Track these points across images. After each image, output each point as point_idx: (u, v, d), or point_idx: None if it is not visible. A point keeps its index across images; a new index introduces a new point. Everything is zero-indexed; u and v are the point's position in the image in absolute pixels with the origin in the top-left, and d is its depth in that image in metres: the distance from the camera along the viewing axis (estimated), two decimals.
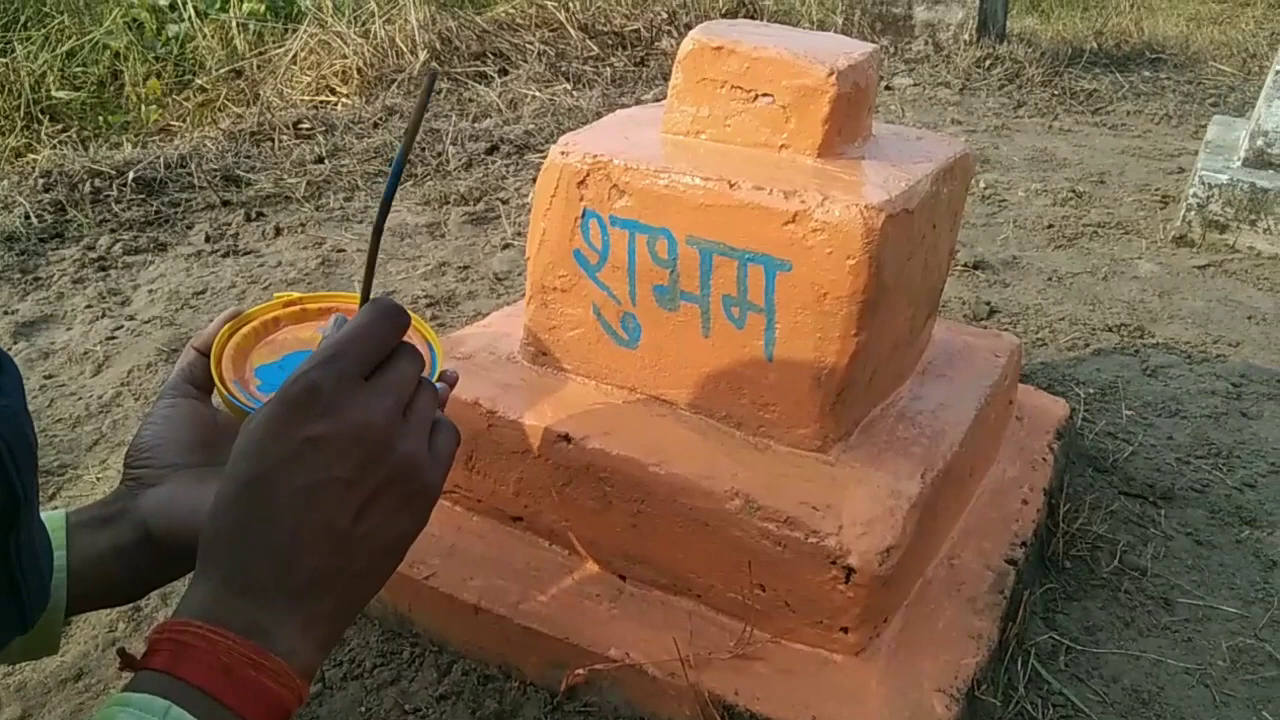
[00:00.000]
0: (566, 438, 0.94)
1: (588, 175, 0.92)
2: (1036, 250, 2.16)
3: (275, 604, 0.46)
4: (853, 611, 0.85)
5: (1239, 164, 2.18)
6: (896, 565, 0.85)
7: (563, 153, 0.94)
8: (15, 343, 1.64)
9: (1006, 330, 1.74)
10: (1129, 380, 1.58)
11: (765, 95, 0.92)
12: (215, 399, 0.72)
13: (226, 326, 0.74)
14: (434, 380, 0.74)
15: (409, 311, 0.68)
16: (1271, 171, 2.14)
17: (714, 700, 0.84)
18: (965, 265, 2.02)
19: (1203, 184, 2.14)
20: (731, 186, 0.87)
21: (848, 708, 0.83)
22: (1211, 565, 1.15)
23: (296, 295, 0.80)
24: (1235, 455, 1.38)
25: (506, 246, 2.06)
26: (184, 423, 0.71)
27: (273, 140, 2.69)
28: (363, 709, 0.90)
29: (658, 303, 0.93)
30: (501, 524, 1.02)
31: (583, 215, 0.94)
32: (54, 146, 2.67)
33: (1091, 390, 1.53)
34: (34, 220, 2.06)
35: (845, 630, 0.86)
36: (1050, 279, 1.99)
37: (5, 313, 1.73)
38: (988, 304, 1.83)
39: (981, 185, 2.57)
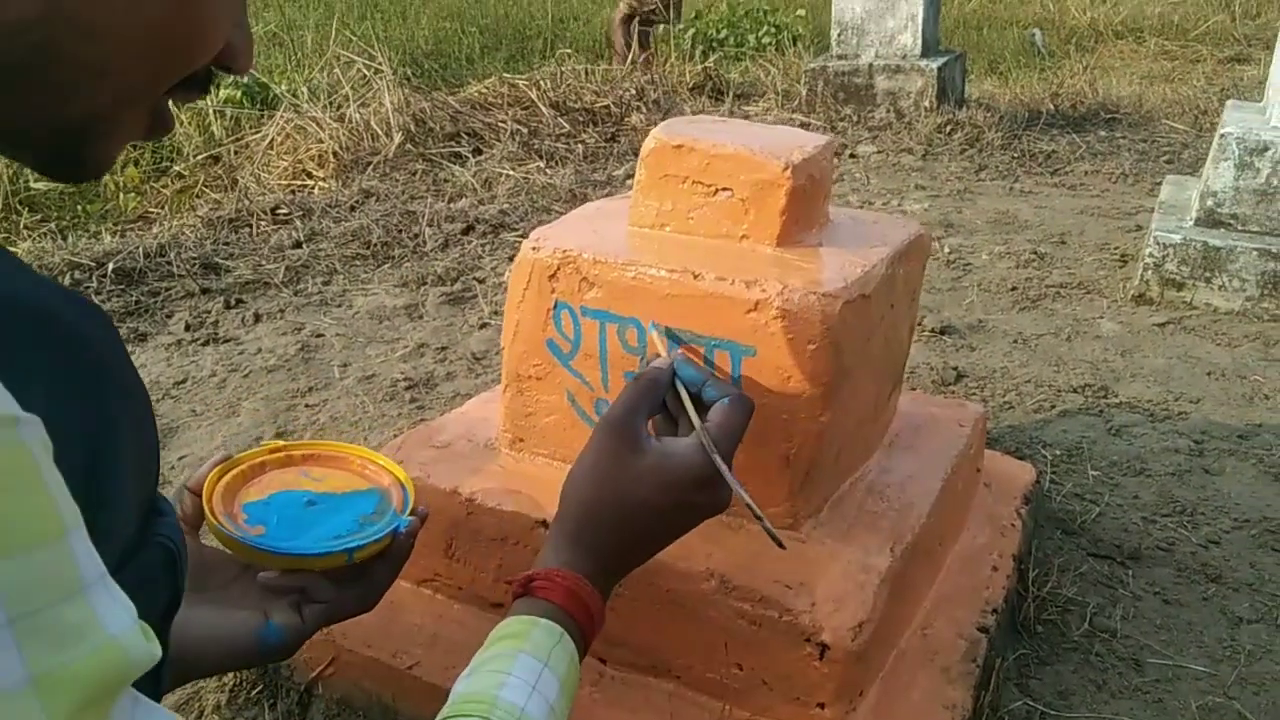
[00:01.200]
0: (544, 523, 0.96)
1: (558, 269, 0.96)
2: (1001, 313, 2.22)
3: (612, 574, 0.73)
4: (828, 687, 0.87)
5: (1191, 223, 2.25)
6: (869, 639, 0.88)
7: (534, 248, 0.98)
8: None
9: (974, 395, 1.79)
10: (1094, 440, 1.62)
11: (725, 189, 0.97)
12: (203, 532, 0.77)
13: (217, 469, 0.80)
14: (406, 515, 0.80)
15: (375, 454, 0.81)
16: (1223, 230, 2.21)
17: None
18: (932, 330, 2.08)
19: (1158, 244, 2.21)
20: (695, 277, 0.91)
21: None
22: (1180, 624, 1.18)
23: (282, 443, 0.87)
24: (1199, 512, 1.41)
25: (484, 326, 2.09)
26: None
27: (251, 226, 2.74)
28: None
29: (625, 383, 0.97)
30: (483, 611, 1.03)
31: (555, 306, 0.98)
32: (33, 239, 2.70)
33: (1058, 452, 1.57)
34: None
35: (822, 706, 0.88)
36: (1015, 341, 2.04)
37: None
38: (955, 369, 1.87)
39: (946, 250, 2.64)
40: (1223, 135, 2.19)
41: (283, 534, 0.78)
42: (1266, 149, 2.14)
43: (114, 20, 0.42)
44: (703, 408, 0.78)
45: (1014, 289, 2.36)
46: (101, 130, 0.48)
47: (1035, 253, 2.61)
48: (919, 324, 2.11)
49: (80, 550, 0.35)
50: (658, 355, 0.87)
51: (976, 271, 2.49)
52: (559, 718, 0.63)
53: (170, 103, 0.52)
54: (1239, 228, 2.20)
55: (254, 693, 1.03)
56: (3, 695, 0.30)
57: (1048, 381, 1.84)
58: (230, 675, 1.04)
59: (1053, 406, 1.74)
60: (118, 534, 0.50)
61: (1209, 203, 2.22)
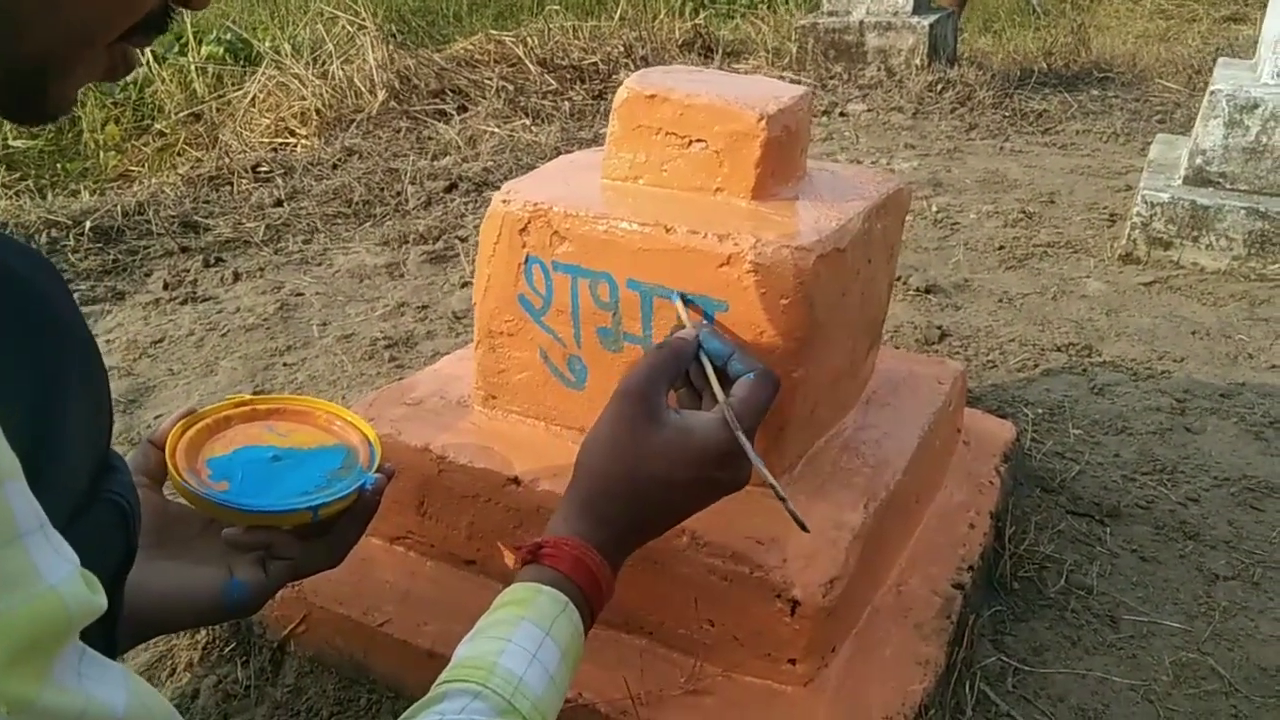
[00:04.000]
0: (516, 480, 0.95)
1: (529, 222, 0.94)
2: (988, 272, 2.20)
3: (624, 546, 0.72)
4: (799, 643, 0.87)
5: (1180, 182, 2.24)
6: (840, 596, 0.87)
7: (505, 201, 0.96)
8: None
9: (957, 354, 1.78)
10: (1077, 400, 1.61)
11: (699, 141, 0.95)
12: (167, 488, 0.76)
13: (180, 424, 0.79)
14: (373, 472, 0.79)
15: (341, 409, 0.79)
16: (1211, 189, 2.20)
17: None
18: (917, 289, 2.06)
19: (1145, 203, 2.20)
20: (668, 231, 0.89)
21: None
22: (1156, 581, 1.18)
23: (248, 396, 0.87)
24: (1179, 470, 1.41)
25: (465, 285, 2.07)
26: None
27: (231, 184, 2.70)
28: None
29: (602, 345, 0.95)
30: (455, 568, 1.03)
31: (526, 261, 0.96)
32: (11, 197, 2.66)
33: (1040, 411, 1.57)
34: None
35: (793, 662, 0.88)
36: (1001, 300, 2.03)
37: None
38: (939, 328, 1.86)
39: (934, 209, 2.62)
40: (1213, 92, 2.16)
41: (247, 490, 0.77)
42: (1256, 106, 2.12)
43: None
44: (727, 382, 0.76)
45: (1001, 248, 2.34)
46: (57, 69, 0.47)
47: (1024, 212, 2.59)
48: (904, 283, 2.10)
49: (17, 499, 0.34)
50: (681, 326, 0.85)
51: (964, 231, 2.47)
52: (559, 687, 0.62)
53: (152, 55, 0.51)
54: (1227, 186, 2.18)
55: (227, 650, 1.02)
56: None
57: (1032, 340, 1.83)
58: (203, 633, 1.04)
59: (1036, 365, 1.74)
60: (66, 488, 0.49)
61: (1198, 161, 2.20)
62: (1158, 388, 1.65)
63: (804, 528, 0.75)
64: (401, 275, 2.14)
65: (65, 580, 0.34)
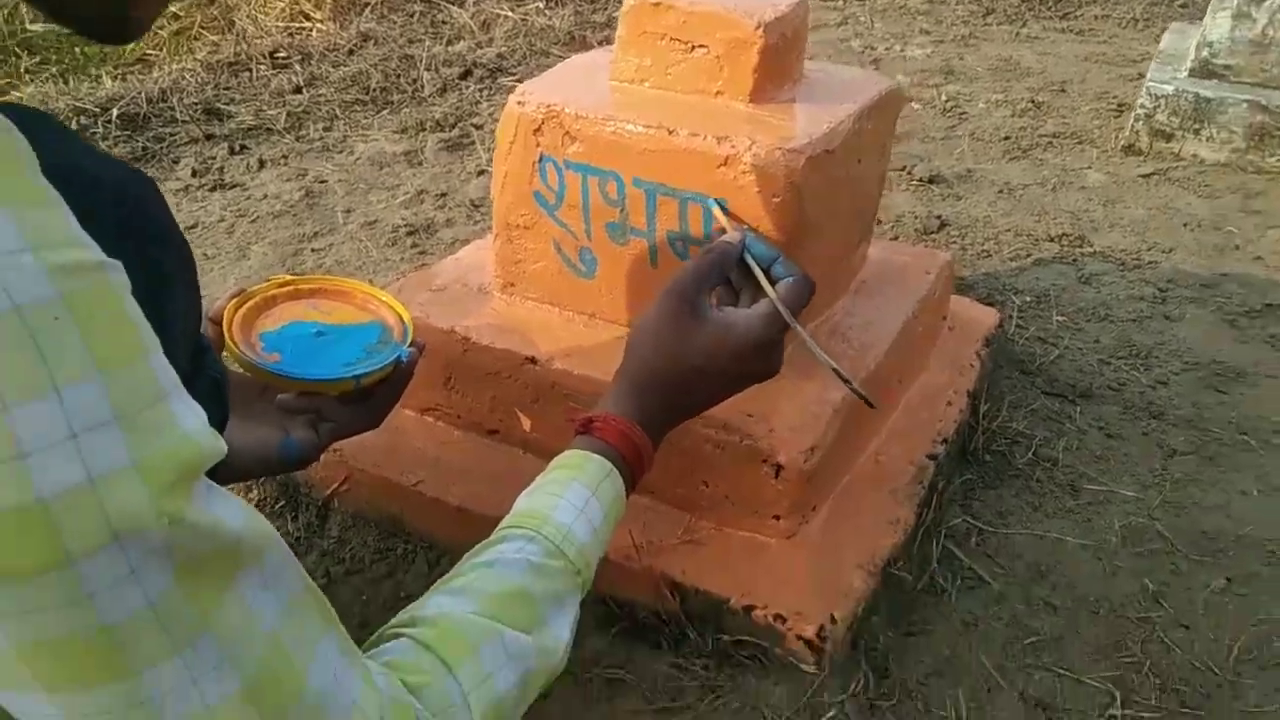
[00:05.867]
0: (533, 360, 1.06)
1: (543, 123, 1.02)
2: (991, 162, 2.25)
3: (664, 426, 0.82)
4: (783, 503, 0.99)
5: (1185, 74, 2.26)
6: (820, 462, 0.98)
7: (519, 103, 1.04)
8: None
9: (954, 243, 1.86)
10: (1064, 288, 1.69)
11: (701, 47, 1.01)
12: (225, 358, 0.86)
13: (233, 302, 0.88)
14: (407, 347, 0.89)
15: (376, 290, 0.89)
16: (1215, 81, 2.22)
17: (665, 580, 0.98)
18: (920, 180, 2.12)
19: (1150, 95, 2.23)
20: (670, 133, 0.97)
21: (779, 584, 0.97)
22: (1118, 455, 1.29)
23: (291, 277, 0.95)
24: (1153, 356, 1.50)
25: (481, 173, 2.15)
26: None
27: (250, 70, 2.75)
28: (364, 598, 1.04)
29: (610, 238, 1.04)
30: (479, 437, 1.14)
31: (540, 160, 1.04)
32: (36, 83, 2.72)
33: (1028, 298, 1.65)
34: None
35: (777, 518, 1.00)
36: (1001, 191, 2.09)
37: None
38: (938, 218, 1.93)
39: (943, 98, 2.65)
40: None
41: (297, 361, 0.88)
42: None
43: None
44: (769, 280, 0.83)
45: (1007, 138, 2.38)
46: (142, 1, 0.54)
47: (1033, 101, 2.62)
48: (908, 173, 2.16)
49: (159, 367, 0.43)
50: (722, 231, 0.93)
51: (972, 120, 2.51)
52: (601, 540, 0.73)
53: None
54: (1232, 79, 2.21)
55: (277, 506, 1.15)
56: (115, 474, 0.39)
57: (1027, 231, 1.91)
58: (255, 492, 1.16)
59: (1028, 255, 1.81)
60: (174, 368, 0.59)
61: (1204, 53, 2.22)
62: (1143, 277, 1.73)
63: (870, 404, 0.85)
64: (420, 163, 2.21)
65: (197, 429, 0.44)
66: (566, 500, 0.72)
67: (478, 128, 2.40)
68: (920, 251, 1.35)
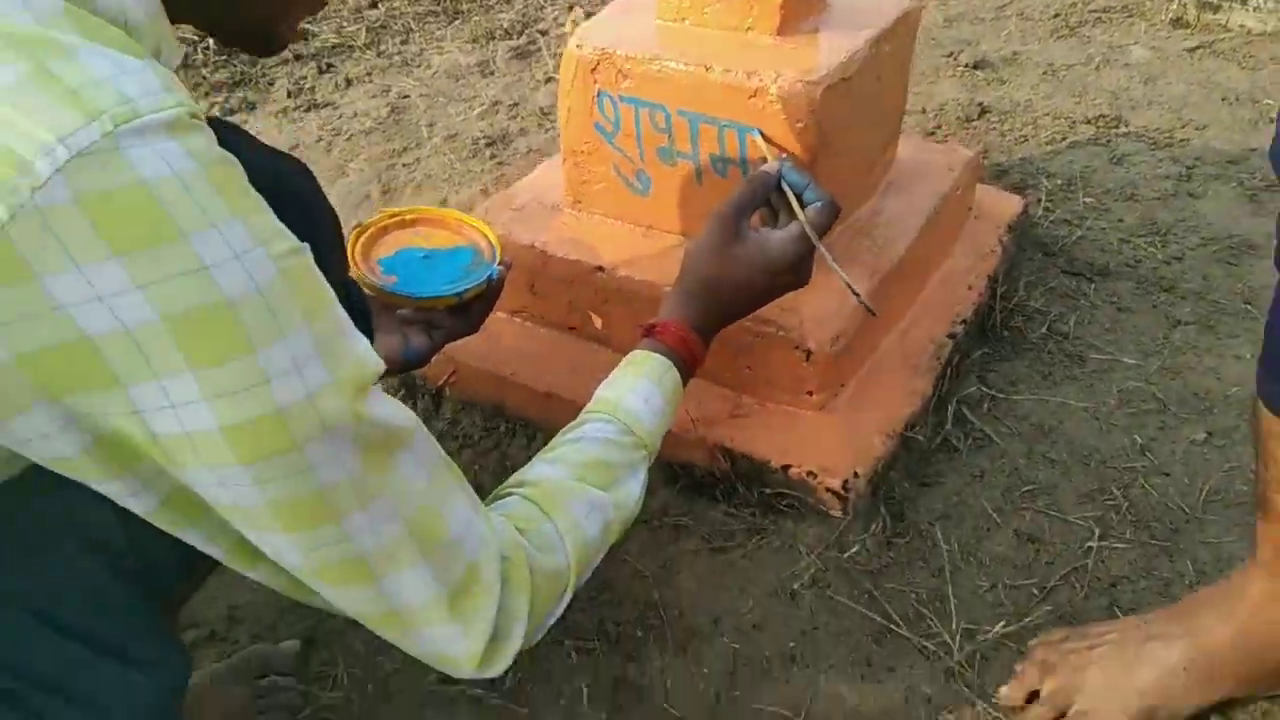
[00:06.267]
0: (601, 268, 1.25)
1: (599, 64, 1.19)
2: (1038, 42, 2.33)
3: (713, 328, 0.99)
4: (814, 380, 1.18)
5: None
6: (845, 346, 1.17)
7: (578, 45, 1.20)
8: None
9: (993, 129, 1.97)
10: (1095, 169, 1.81)
11: None
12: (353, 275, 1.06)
13: (354, 233, 1.08)
14: (498, 265, 1.08)
15: (468, 216, 1.08)
16: None
17: (718, 446, 1.19)
18: (966, 65, 2.21)
19: None
20: (707, 69, 1.13)
21: (811, 447, 1.17)
22: (1126, 327, 1.44)
23: (397, 210, 1.14)
24: (1171, 232, 1.63)
25: (549, 80, 2.30)
26: None
27: None
28: (476, 468, 1.27)
29: (660, 160, 1.22)
30: (560, 333, 1.35)
31: (598, 95, 1.21)
32: None
33: (1059, 181, 1.78)
34: None
35: (810, 394, 1.19)
36: (1045, 72, 2.18)
37: None
38: (979, 105, 2.04)
39: None
40: None
41: (411, 281, 1.09)
42: None
43: None
44: (802, 206, 0.99)
45: (1055, 15, 2.44)
46: (280, 19, 0.73)
47: None
48: (953, 58, 2.25)
49: (339, 311, 0.64)
50: (763, 159, 1.10)
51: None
52: (664, 421, 0.93)
53: None
54: None
55: (399, 395, 1.38)
56: (322, 389, 0.60)
57: (1066, 113, 2.01)
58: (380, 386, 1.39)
59: (1064, 138, 1.92)
60: None
61: None
62: (1172, 155, 1.83)
63: (872, 313, 1.02)
64: (491, 73, 2.37)
65: (366, 352, 0.65)
66: (635, 391, 0.92)
67: (543, 33, 2.54)
68: (943, 148, 1.49)
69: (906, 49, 1.30)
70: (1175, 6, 2.34)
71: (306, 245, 0.61)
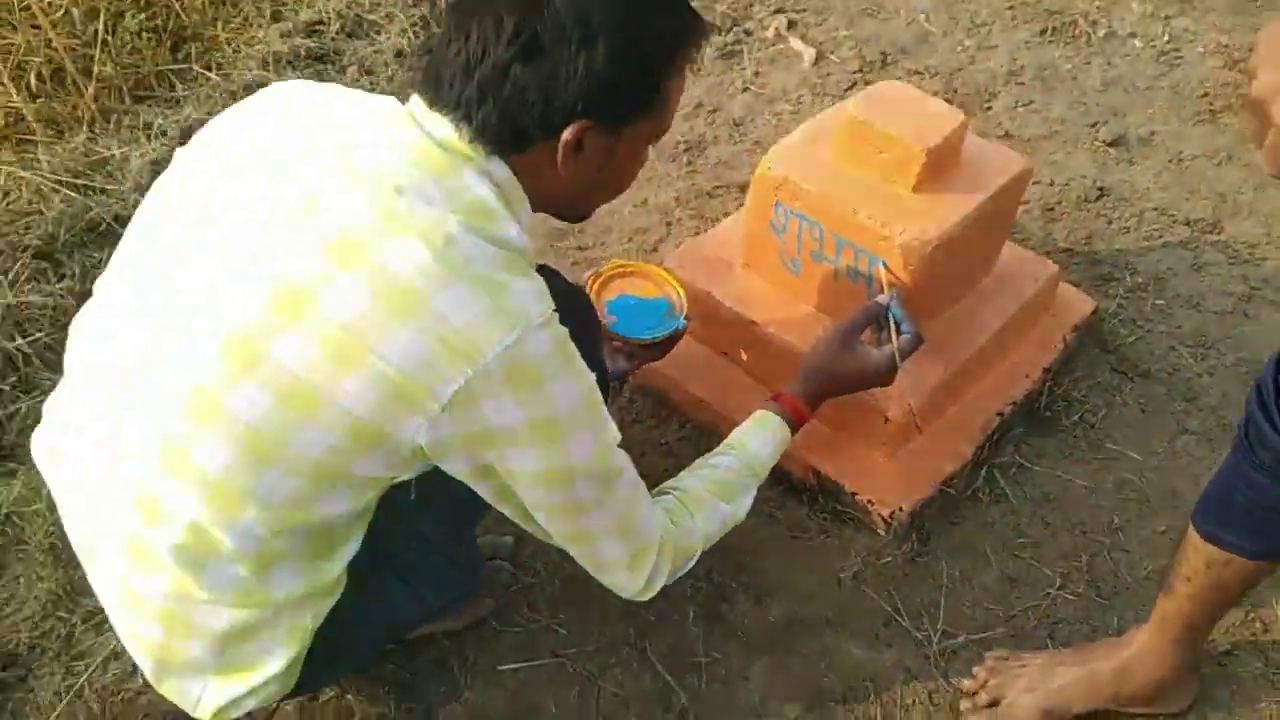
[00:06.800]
0: (754, 322, 1.76)
1: (781, 185, 1.67)
2: (1179, 124, 2.60)
3: (818, 403, 1.49)
4: (887, 437, 1.68)
5: None
6: (914, 416, 1.66)
7: (769, 168, 1.68)
8: None
9: (1102, 216, 2.33)
10: (1177, 274, 2.17)
11: (884, 152, 1.61)
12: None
13: (589, 279, 1.60)
14: (684, 317, 1.60)
15: (667, 274, 1.60)
16: None
17: (811, 467, 1.71)
18: (1103, 141, 2.53)
19: None
20: (855, 212, 1.60)
21: (876, 481, 1.68)
22: (1143, 426, 1.87)
23: (620, 262, 1.66)
24: (1215, 347, 2.02)
25: (746, 89, 2.73)
26: None
27: None
28: (639, 441, 1.82)
29: (811, 258, 1.70)
30: (718, 356, 1.87)
31: (775, 204, 1.69)
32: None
33: (1140, 280, 2.15)
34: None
35: (883, 444, 1.69)
36: (1172, 160, 2.48)
37: None
38: (1100, 187, 2.39)
39: (1165, 38, 2.92)
40: None
41: (625, 324, 1.62)
42: None
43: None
44: (899, 334, 1.49)
45: (1204, 95, 2.68)
46: (593, 207, 1.26)
47: (1251, 48, 2.86)
48: (1094, 130, 2.57)
49: (602, 408, 1.17)
50: (881, 289, 1.57)
51: (1183, 68, 2.78)
52: (774, 459, 1.40)
53: None
54: None
55: None
56: (594, 453, 1.14)
57: (1172, 209, 2.33)
58: None
59: (1160, 236, 2.27)
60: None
61: None
62: (1244, 273, 2.18)
63: (918, 427, 1.53)
64: (699, 70, 2.80)
65: (611, 423, 1.18)
66: (758, 439, 1.44)
67: (748, 33, 2.94)
68: (1037, 261, 1.91)
69: (1014, 201, 1.73)
70: None
71: (593, 375, 1.14)
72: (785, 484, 1.74)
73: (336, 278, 0.99)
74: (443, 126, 1.08)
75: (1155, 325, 2.06)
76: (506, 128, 1.08)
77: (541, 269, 1.27)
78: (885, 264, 1.60)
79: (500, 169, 1.10)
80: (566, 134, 1.08)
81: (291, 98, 1.17)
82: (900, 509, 1.66)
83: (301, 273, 1.00)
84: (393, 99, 1.14)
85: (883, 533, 1.67)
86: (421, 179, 1.04)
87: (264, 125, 1.14)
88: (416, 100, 1.11)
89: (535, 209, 1.18)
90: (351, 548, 1.19)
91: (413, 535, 1.30)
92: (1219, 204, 2.36)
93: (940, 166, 1.63)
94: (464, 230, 1.03)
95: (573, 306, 1.22)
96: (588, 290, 1.64)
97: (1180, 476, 1.79)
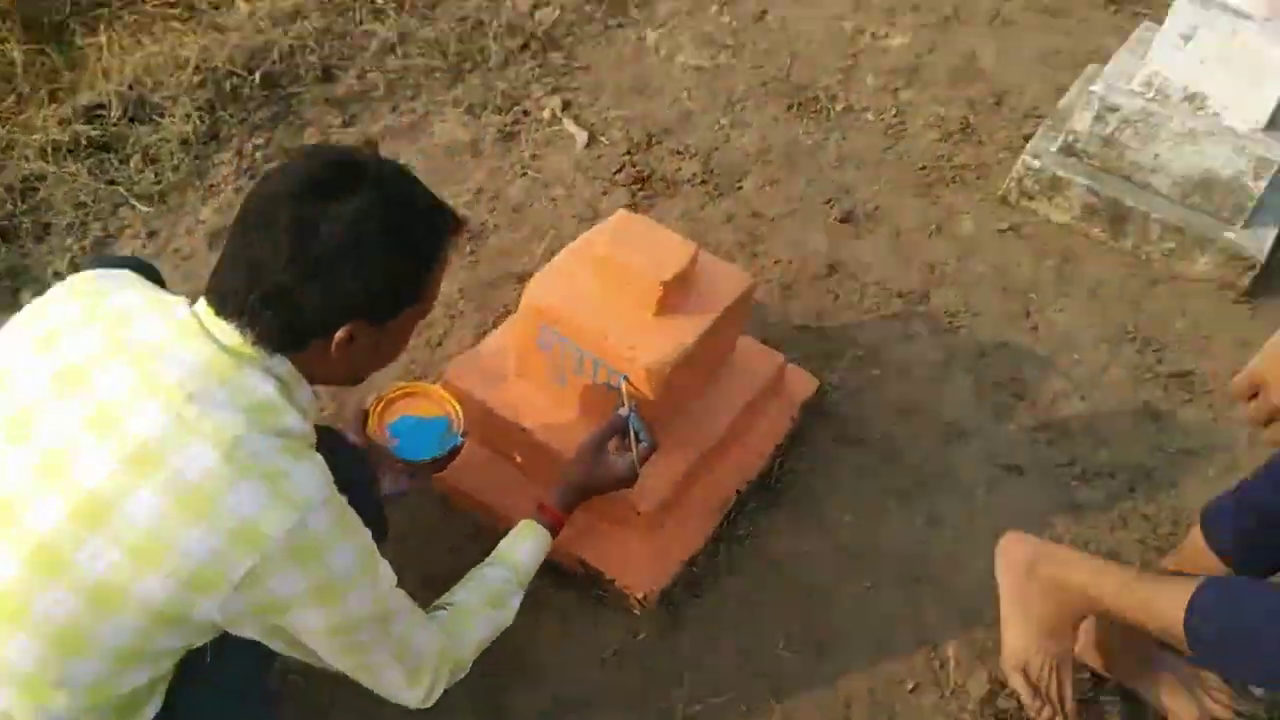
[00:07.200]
0: (524, 428, 2.01)
1: (544, 311, 1.92)
2: (899, 197, 2.97)
3: (573, 508, 1.77)
4: (641, 525, 1.96)
5: (1054, 150, 2.98)
6: (662, 507, 1.95)
7: (534, 296, 1.92)
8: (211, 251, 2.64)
9: (831, 292, 2.68)
10: (890, 344, 2.55)
11: (629, 283, 1.89)
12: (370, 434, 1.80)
13: (372, 402, 1.81)
14: (460, 434, 1.83)
15: (445, 393, 1.82)
16: (1074, 160, 2.95)
17: (576, 556, 1.98)
18: (836, 219, 2.90)
19: (1024, 166, 2.97)
20: (605, 336, 1.87)
21: (631, 566, 1.97)
22: (855, 491, 2.22)
23: (403, 385, 1.86)
24: (918, 413, 2.40)
25: (524, 173, 2.94)
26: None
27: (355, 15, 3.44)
28: (428, 543, 2.04)
29: (572, 371, 1.96)
30: (500, 458, 2.11)
31: (542, 326, 1.94)
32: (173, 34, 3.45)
33: (859, 352, 2.52)
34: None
35: (636, 529, 1.98)
36: (892, 233, 2.87)
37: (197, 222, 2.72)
38: (830, 265, 2.74)
39: (893, 112, 3.33)
40: (1090, 91, 2.87)
41: (406, 446, 1.83)
42: (1117, 109, 2.83)
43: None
44: (637, 443, 1.78)
45: (923, 168, 3.06)
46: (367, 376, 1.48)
47: (965, 121, 3.25)
48: (829, 206, 2.93)
49: (377, 557, 1.40)
50: (622, 404, 1.84)
51: (906, 140, 3.15)
52: (536, 564, 1.65)
53: None
54: (1084, 161, 2.94)
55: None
56: (373, 601, 1.36)
57: (888, 282, 2.70)
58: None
59: (878, 308, 2.64)
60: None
61: (1069, 138, 2.95)
62: (943, 341, 2.58)
63: (638, 512, 1.82)
64: (479, 153, 2.99)
65: (388, 569, 1.40)
66: (521, 549, 1.70)
67: (526, 114, 3.16)
68: (764, 351, 2.24)
69: (742, 312, 2.04)
70: (1006, 184, 3.04)
71: (369, 532, 1.36)
72: (555, 573, 2.00)
73: (136, 487, 1.17)
74: (228, 334, 1.27)
75: (870, 395, 2.43)
76: (286, 334, 1.28)
77: (325, 432, 1.48)
78: (626, 379, 1.87)
79: (281, 365, 1.30)
80: (339, 334, 1.29)
81: (95, 299, 1.31)
82: (652, 590, 1.95)
83: (102, 483, 1.18)
84: (184, 302, 1.32)
85: (638, 612, 1.96)
86: (210, 384, 1.23)
87: (64, 330, 1.28)
88: (203, 305, 1.29)
89: (314, 383, 1.38)
90: (153, 708, 1.36)
91: (210, 686, 1.46)
92: (928, 275, 2.76)
93: (676, 293, 1.92)
94: (249, 427, 1.23)
95: (349, 464, 1.44)
96: (371, 412, 1.84)
97: (882, 533, 2.16)
